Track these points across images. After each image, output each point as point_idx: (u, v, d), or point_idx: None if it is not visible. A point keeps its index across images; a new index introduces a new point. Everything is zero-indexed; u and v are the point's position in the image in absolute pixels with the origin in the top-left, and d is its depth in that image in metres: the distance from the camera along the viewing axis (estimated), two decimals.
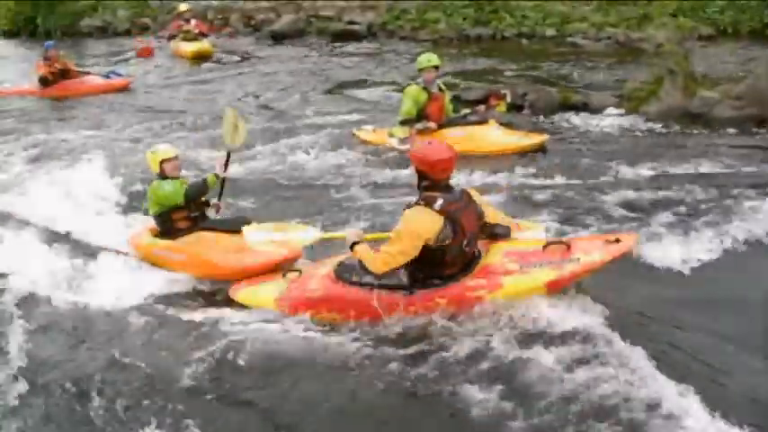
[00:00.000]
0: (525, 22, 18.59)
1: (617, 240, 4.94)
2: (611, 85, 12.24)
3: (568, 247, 4.99)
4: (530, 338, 4.66)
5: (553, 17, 18.53)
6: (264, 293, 5.84)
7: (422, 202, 4.92)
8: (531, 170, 8.44)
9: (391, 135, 9.82)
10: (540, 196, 7.55)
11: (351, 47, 18.27)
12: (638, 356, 4.37)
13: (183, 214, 6.71)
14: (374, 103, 12.67)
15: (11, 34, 28.07)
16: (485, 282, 4.97)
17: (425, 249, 4.87)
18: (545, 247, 5.04)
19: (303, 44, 19.40)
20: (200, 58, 18.47)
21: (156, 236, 6.86)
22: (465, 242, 4.96)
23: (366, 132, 10.35)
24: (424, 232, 4.82)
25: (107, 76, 15.92)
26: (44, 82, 15.39)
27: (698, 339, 4.84)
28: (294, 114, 12.23)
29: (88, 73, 16.09)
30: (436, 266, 5.02)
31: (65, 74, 15.62)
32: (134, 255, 6.95)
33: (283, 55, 18.22)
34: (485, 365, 4.55)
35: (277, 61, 17.46)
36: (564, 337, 4.62)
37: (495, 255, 5.12)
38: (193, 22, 19.66)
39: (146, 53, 19.69)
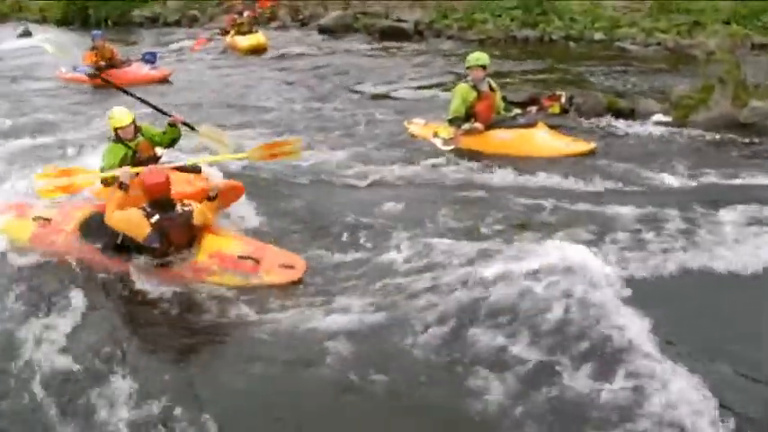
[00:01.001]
0: (574, 25, 18.47)
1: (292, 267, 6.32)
2: (659, 92, 12.07)
3: (257, 262, 6.31)
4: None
5: (602, 21, 18.39)
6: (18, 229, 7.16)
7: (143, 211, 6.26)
8: (575, 176, 8.33)
9: (436, 134, 9.82)
10: (582, 204, 7.48)
11: (398, 44, 18.26)
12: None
13: None
14: (420, 101, 12.65)
15: (64, 23, 28.60)
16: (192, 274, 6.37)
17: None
18: (240, 257, 6.34)
19: (350, 40, 19.43)
20: (255, 51, 18.57)
21: None
22: (172, 248, 6.40)
23: (417, 126, 10.36)
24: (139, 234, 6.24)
25: (143, 58, 16.27)
26: (95, 70, 15.65)
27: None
28: (339, 109, 12.28)
29: (132, 62, 16.35)
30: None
31: (113, 63, 15.92)
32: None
33: (330, 50, 18.29)
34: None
35: (323, 56, 17.52)
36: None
37: (203, 255, 6.43)
38: (246, 13, 19.76)
39: (198, 45, 19.91)
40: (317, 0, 23.33)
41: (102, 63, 15.72)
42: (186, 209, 6.45)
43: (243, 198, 7.71)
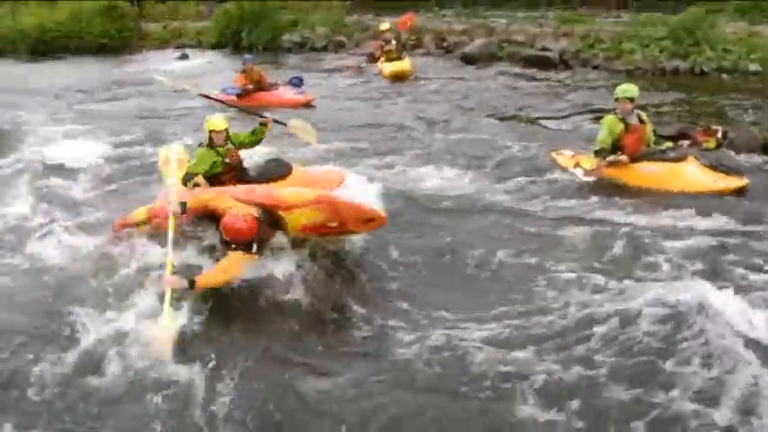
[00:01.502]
0: (727, 56, 17.81)
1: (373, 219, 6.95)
2: None
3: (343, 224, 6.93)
4: None
5: (758, 51, 17.64)
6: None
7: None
8: (723, 214, 8.03)
9: (577, 165, 9.68)
10: (728, 244, 7.21)
11: (542, 74, 18.09)
12: None
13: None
14: (565, 132, 12.48)
15: (218, 47, 29.90)
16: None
17: None
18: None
19: (494, 68, 19.37)
20: (400, 78, 18.75)
21: None
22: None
23: (564, 157, 10.19)
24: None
25: (290, 81, 16.73)
26: (243, 92, 16.39)
27: None
28: (480, 137, 12.23)
29: (278, 86, 16.87)
30: None
31: (260, 85, 16.54)
32: None
33: (473, 78, 18.28)
34: None
35: (467, 84, 17.52)
36: None
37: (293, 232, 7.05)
38: (394, 42, 20.02)
39: (354, 70, 20.34)
40: (462, 26, 23.47)
41: (251, 86, 16.40)
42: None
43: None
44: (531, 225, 8.17)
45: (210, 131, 8.23)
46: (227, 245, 6.47)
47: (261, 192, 7.03)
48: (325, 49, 26.28)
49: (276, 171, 8.32)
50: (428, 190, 9.57)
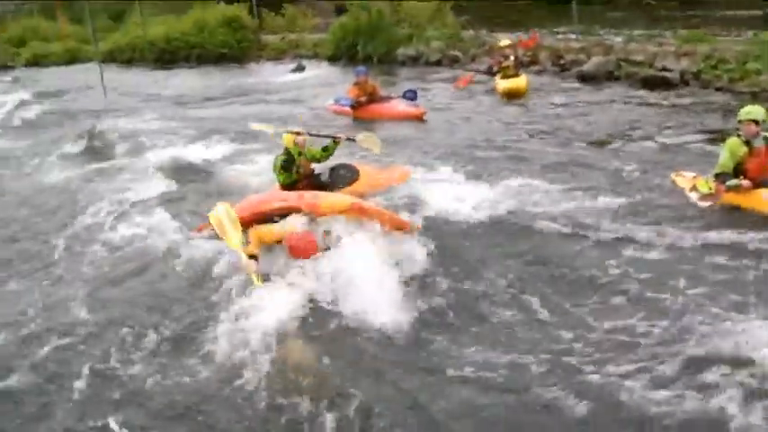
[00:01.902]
0: None
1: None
2: None
3: None
4: None
5: None
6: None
7: None
8: None
9: (694, 188, 9.28)
10: None
11: (662, 94, 17.50)
12: None
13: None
14: (684, 154, 11.98)
15: (333, 59, 30.40)
16: None
17: None
18: None
19: (611, 88, 18.89)
20: (514, 95, 18.50)
21: None
22: None
23: (684, 179, 9.79)
24: None
25: (404, 95, 16.79)
26: (355, 104, 16.60)
27: None
28: (593, 157, 11.96)
29: (391, 98, 16.97)
30: None
31: (373, 97, 16.67)
32: None
33: (590, 97, 17.86)
34: None
35: (582, 103, 17.14)
36: None
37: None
38: (512, 58, 19.80)
39: (463, 83, 20.23)
40: (579, 44, 23.03)
41: (363, 98, 16.59)
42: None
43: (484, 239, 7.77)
44: (641, 250, 7.91)
45: (287, 146, 9.44)
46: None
47: (301, 199, 7.95)
48: (439, 63, 26.26)
49: (345, 176, 9.50)
50: (534, 207, 9.42)
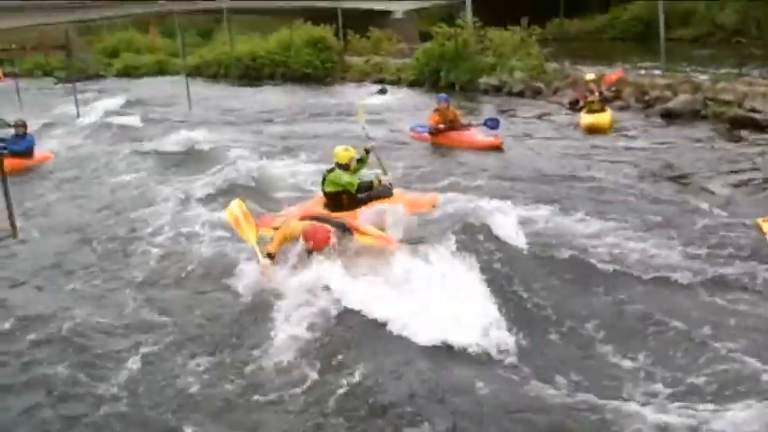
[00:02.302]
0: None
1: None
2: None
3: None
4: None
5: None
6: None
7: None
8: None
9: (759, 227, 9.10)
10: None
11: (749, 136, 17.06)
12: None
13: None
14: None
15: (416, 84, 30.63)
16: None
17: None
18: None
19: (697, 127, 18.47)
20: (597, 130, 18.26)
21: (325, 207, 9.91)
22: None
23: None
24: None
25: (485, 123, 16.90)
26: (434, 130, 16.70)
27: None
28: (676, 199, 11.73)
29: (471, 126, 16.99)
30: None
31: (453, 125, 16.73)
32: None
33: (674, 136, 17.47)
34: None
35: (667, 142, 16.79)
36: None
37: None
38: (597, 93, 19.63)
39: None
40: (665, 80, 22.67)
41: (442, 125, 16.68)
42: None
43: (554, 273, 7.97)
44: (720, 294, 7.78)
45: (337, 160, 10.12)
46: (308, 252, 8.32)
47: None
48: (521, 94, 26.17)
49: (382, 192, 10.19)
50: (610, 245, 9.35)
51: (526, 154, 16.01)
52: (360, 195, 9.97)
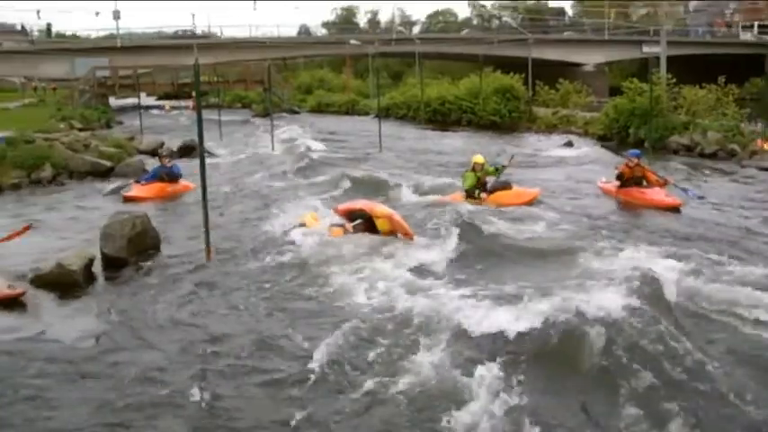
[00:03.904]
0: None
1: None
2: None
3: None
4: None
5: None
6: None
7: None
8: None
9: None
10: None
11: None
12: None
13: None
14: None
15: (604, 139, 30.38)
16: None
17: None
18: None
19: None
20: None
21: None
22: None
23: None
24: None
25: (684, 190, 16.46)
26: (621, 182, 16.59)
27: None
28: None
29: (664, 184, 16.56)
30: None
31: (639, 181, 16.54)
32: None
33: None
34: None
35: None
36: None
37: None
38: None
39: None
40: None
41: (629, 180, 16.63)
42: None
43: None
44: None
45: (474, 163, 15.96)
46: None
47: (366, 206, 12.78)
48: (714, 156, 25.07)
49: (502, 185, 16.14)
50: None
51: (705, 217, 15.09)
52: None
